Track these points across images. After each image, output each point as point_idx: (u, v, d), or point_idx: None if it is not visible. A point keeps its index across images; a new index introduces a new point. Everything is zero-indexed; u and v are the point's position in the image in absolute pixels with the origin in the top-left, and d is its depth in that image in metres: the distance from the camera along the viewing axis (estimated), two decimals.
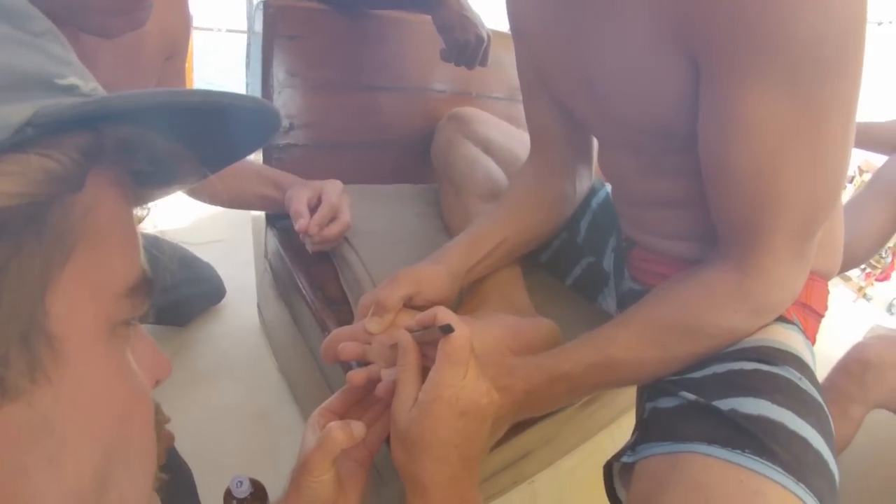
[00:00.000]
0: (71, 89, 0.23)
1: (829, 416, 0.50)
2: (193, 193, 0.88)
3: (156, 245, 1.17)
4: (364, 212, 0.93)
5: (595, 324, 0.80)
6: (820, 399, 0.50)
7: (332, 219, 0.82)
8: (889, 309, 2.51)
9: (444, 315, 0.49)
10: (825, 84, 0.43)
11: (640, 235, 0.72)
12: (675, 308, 0.54)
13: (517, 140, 0.98)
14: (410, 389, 0.49)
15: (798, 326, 0.59)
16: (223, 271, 1.30)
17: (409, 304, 0.65)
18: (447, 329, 0.46)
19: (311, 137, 0.99)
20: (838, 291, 2.51)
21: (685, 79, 0.50)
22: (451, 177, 0.94)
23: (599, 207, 0.86)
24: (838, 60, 0.43)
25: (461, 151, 0.96)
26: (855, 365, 0.80)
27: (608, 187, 0.88)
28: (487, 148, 0.98)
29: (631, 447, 0.53)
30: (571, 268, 0.87)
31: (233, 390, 1.11)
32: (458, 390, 0.46)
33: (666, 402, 0.54)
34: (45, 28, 0.24)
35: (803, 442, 0.45)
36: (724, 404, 0.48)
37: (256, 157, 0.97)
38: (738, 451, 0.44)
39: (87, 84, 0.24)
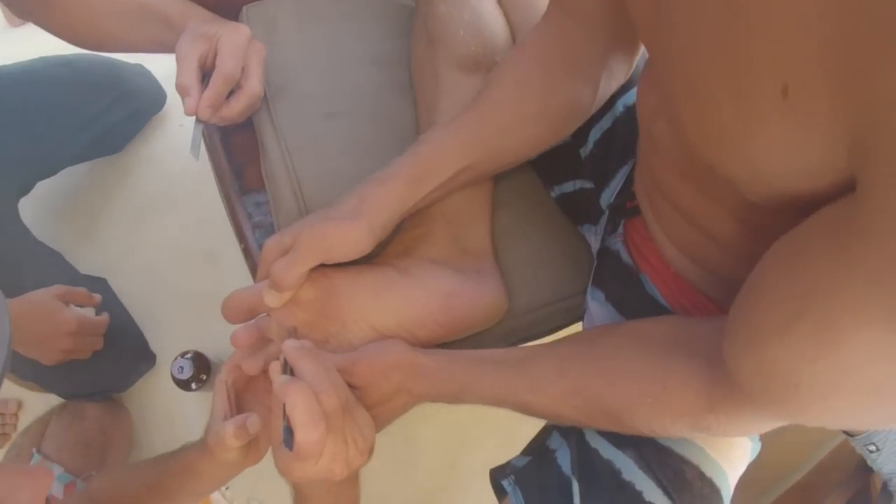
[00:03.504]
0: None
1: None
2: (68, 39, 0.67)
3: (71, 66, 0.95)
4: (298, 49, 0.68)
5: (572, 257, 0.67)
6: None
7: (237, 88, 0.60)
8: None
9: (292, 407, 0.42)
10: None
11: (650, 213, 0.53)
12: (617, 397, 0.45)
13: None
14: (278, 423, 0.45)
15: None
16: (158, 68, 1.07)
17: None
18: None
19: None
20: None
21: (830, 162, 0.28)
22: (425, 17, 0.65)
23: (626, 114, 0.61)
24: None
25: None
26: None
27: None
28: None
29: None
30: (562, 181, 0.67)
31: (179, 225, 1.01)
32: (309, 473, 0.44)
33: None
34: None
35: None
36: None
37: None
38: None
39: None
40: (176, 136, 1.10)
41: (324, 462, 0.43)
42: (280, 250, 0.49)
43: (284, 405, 0.41)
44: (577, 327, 0.71)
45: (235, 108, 0.60)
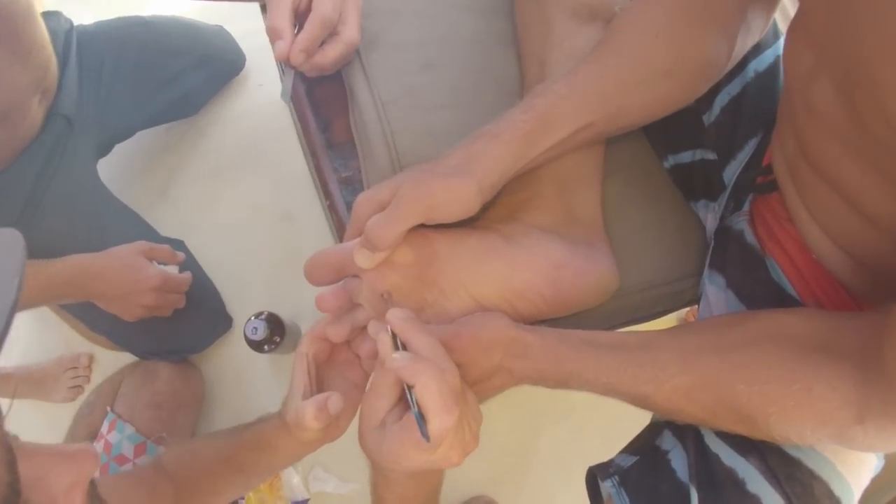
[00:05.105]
0: None
1: None
2: None
3: (148, 27, 0.92)
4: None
5: (684, 235, 0.60)
6: None
7: (331, 35, 0.55)
8: None
9: (424, 391, 0.37)
10: None
11: (791, 190, 0.47)
12: (754, 397, 0.40)
13: None
14: (381, 403, 0.41)
15: None
16: (238, 28, 1.04)
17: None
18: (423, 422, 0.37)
19: None
20: None
21: None
22: None
23: (757, 80, 0.54)
24: None
25: None
26: None
27: (780, 45, 0.53)
28: None
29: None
30: (679, 150, 0.59)
31: (255, 187, 0.99)
32: (421, 462, 0.39)
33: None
34: None
35: None
36: None
37: None
38: None
39: None
40: (254, 97, 1.07)
41: (442, 450, 0.38)
42: (375, 206, 0.44)
43: (410, 388, 0.37)
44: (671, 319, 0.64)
45: (330, 56, 0.55)
